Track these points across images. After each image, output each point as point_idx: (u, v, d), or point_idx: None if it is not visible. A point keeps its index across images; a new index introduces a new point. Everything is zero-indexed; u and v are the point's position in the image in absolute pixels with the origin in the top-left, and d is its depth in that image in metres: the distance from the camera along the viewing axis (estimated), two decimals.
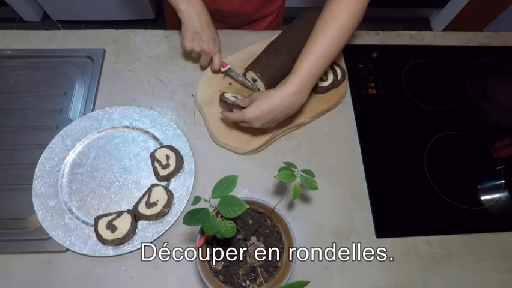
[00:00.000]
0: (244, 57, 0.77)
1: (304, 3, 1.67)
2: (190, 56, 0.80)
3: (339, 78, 0.75)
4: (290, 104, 0.61)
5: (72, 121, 0.70)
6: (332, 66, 0.75)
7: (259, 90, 0.75)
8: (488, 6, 1.78)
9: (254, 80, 0.73)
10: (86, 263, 0.60)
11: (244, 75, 0.74)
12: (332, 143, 0.73)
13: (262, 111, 0.60)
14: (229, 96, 0.69)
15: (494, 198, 0.71)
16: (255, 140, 0.69)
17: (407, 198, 0.70)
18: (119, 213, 0.61)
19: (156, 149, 0.67)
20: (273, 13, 0.93)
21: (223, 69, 0.75)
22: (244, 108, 0.63)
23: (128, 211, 0.62)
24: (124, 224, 0.60)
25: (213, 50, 0.72)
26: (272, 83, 0.72)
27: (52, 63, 0.78)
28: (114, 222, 0.60)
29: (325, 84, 0.74)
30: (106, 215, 0.61)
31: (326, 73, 0.75)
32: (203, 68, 0.76)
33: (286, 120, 0.71)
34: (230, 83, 0.75)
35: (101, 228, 0.60)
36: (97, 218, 0.60)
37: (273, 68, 0.71)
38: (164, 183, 0.66)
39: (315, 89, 0.74)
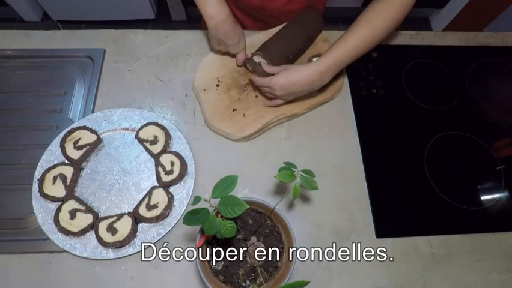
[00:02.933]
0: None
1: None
2: (190, 56, 0.80)
3: None
4: (314, 81, 0.65)
5: (72, 121, 0.70)
6: None
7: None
8: (488, 6, 1.78)
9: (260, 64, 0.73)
10: (86, 263, 0.60)
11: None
12: (332, 143, 0.73)
13: (289, 81, 0.65)
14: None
15: (494, 198, 0.71)
16: (248, 127, 0.70)
17: (407, 198, 0.70)
18: (120, 216, 0.61)
19: (162, 153, 0.67)
20: None
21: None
22: (270, 74, 0.69)
23: (129, 213, 0.62)
24: (124, 226, 0.60)
25: (237, 51, 0.74)
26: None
27: (52, 63, 0.78)
28: (115, 225, 0.60)
29: None
30: (106, 217, 0.61)
31: None
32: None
33: (281, 109, 0.72)
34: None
35: (102, 231, 0.59)
36: (98, 221, 0.60)
37: (280, 53, 0.71)
38: None
39: None
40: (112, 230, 0.59)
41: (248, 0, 0.82)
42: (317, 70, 0.64)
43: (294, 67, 0.66)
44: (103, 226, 0.60)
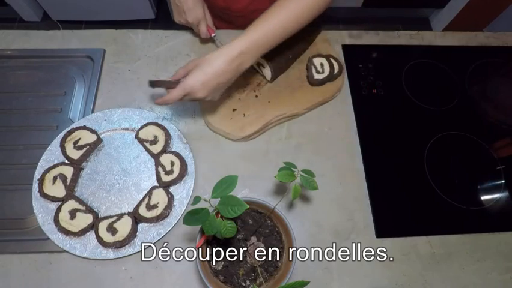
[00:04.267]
0: None
1: None
2: (190, 56, 0.80)
3: (335, 71, 0.75)
4: (236, 66, 0.58)
5: (72, 121, 0.70)
6: (328, 59, 0.76)
7: (263, 76, 0.75)
8: (488, 6, 1.78)
9: (259, 65, 0.73)
10: (86, 263, 0.60)
11: None
12: (332, 143, 0.73)
13: (206, 75, 0.57)
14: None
15: (494, 198, 0.71)
16: (248, 127, 0.70)
17: (407, 198, 0.70)
18: (120, 216, 0.61)
19: (162, 153, 0.67)
20: None
21: (212, 35, 0.77)
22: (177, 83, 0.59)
23: (129, 213, 0.62)
24: (124, 226, 0.60)
25: (195, 20, 0.73)
26: (278, 68, 0.73)
27: (52, 63, 0.78)
28: (115, 225, 0.60)
29: (320, 77, 0.74)
30: (106, 217, 0.61)
31: (322, 66, 0.75)
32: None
33: (281, 109, 0.72)
34: None
35: (102, 230, 0.59)
36: (98, 221, 0.60)
37: (279, 52, 0.71)
38: None
39: (310, 81, 0.74)
40: (112, 230, 0.59)
41: (214, 1, 0.81)
42: (236, 54, 0.56)
43: (208, 57, 0.58)
44: (103, 226, 0.60)
